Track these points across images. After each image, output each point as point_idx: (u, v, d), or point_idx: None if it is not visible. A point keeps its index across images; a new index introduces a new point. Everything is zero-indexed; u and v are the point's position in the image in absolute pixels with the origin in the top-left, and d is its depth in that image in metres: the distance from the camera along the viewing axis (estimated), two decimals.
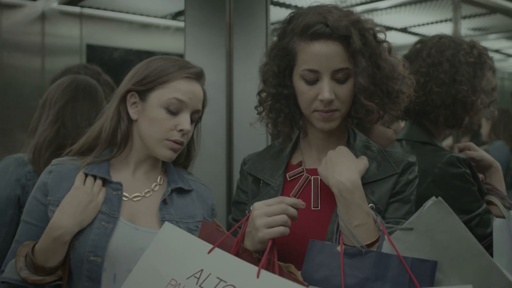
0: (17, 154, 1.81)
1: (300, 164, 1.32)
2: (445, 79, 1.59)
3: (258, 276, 0.99)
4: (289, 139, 1.34)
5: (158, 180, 1.39)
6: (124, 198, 1.32)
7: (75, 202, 1.24)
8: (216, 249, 1.08)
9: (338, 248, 1.09)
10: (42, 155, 1.76)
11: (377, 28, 1.23)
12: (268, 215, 1.10)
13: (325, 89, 1.17)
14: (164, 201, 1.34)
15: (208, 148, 2.36)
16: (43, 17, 3.14)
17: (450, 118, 1.62)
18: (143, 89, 1.32)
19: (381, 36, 1.23)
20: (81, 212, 1.24)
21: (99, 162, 1.34)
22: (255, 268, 1.00)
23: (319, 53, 1.16)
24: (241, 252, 1.11)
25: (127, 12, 3.38)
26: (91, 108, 1.87)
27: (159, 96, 1.31)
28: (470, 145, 1.70)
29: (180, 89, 1.31)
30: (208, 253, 1.08)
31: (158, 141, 1.31)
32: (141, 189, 1.36)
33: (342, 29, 1.16)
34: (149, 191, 1.36)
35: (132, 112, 1.34)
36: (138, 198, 1.34)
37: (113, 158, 1.36)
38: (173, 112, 1.30)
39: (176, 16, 3.24)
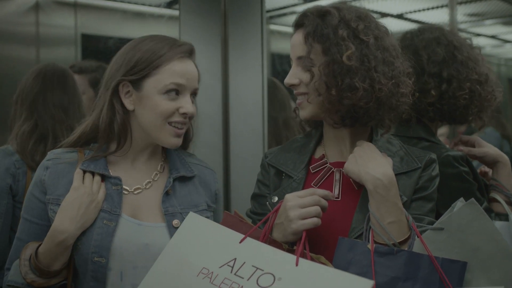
0: (1, 147, 1.82)
1: (322, 157, 1.33)
2: None
3: (297, 264, 0.99)
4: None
5: (159, 168, 1.35)
6: (125, 192, 1.28)
7: (76, 204, 1.20)
8: (248, 238, 1.07)
9: (369, 246, 1.08)
10: (25, 145, 1.78)
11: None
12: (302, 206, 1.11)
13: None
14: (166, 193, 1.31)
15: (204, 135, 2.36)
16: (37, 7, 3.12)
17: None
18: (136, 78, 1.24)
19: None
20: (83, 214, 1.20)
21: (98, 158, 1.29)
22: (292, 257, 1.00)
23: None
24: (269, 243, 1.10)
25: (121, 1, 3.36)
26: (62, 95, 1.87)
27: (156, 84, 1.24)
28: (475, 140, 1.62)
29: (176, 71, 1.24)
30: (240, 242, 1.07)
31: (161, 126, 1.25)
32: (141, 181, 1.32)
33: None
34: (149, 182, 1.32)
35: (127, 103, 1.27)
36: (139, 191, 1.30)
37: (114, 153, 1.30)
38: (173, 97, 1.25)
39: (170, 4, 3.22)
